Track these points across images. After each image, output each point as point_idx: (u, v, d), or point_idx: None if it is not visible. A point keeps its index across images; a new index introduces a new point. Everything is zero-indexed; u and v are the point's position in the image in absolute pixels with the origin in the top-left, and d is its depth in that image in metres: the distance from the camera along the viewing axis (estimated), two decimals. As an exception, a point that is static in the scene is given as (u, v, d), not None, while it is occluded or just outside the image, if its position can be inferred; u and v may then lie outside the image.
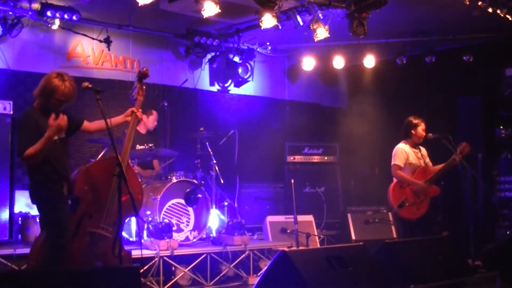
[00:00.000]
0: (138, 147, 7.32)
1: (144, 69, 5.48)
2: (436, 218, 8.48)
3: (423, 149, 7.15)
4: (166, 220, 6.83)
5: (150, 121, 7.81)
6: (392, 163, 6.97)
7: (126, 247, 6.08)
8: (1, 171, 6.74)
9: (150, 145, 7.24)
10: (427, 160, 7.10)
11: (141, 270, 6.08)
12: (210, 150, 7.70)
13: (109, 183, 5.06)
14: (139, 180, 6.13)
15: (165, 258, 6.55)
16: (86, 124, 5.24)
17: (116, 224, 5.03)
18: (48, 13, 7.18)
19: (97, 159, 5.39)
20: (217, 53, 9.24)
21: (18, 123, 4.87)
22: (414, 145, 7.06)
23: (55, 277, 3.61)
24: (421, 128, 6.99)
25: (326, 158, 9.66)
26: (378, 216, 8.87)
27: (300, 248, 7.52)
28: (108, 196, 5.07)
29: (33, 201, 4.94)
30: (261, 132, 9.75)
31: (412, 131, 7.02)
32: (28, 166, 4.86)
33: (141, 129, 7.75)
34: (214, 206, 7.53)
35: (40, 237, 5.00)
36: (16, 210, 6.82)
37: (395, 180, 6.98)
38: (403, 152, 6.96)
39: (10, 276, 3.65)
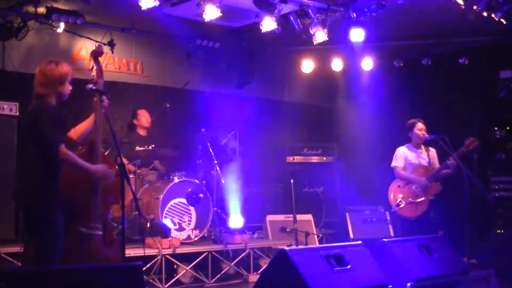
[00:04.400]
0: (138, 148, 7.33)
1: (98, 46, 5.06)
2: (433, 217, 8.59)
3: (432, 150, 7.18)
4: (168, 219, 6.92)
5: (142, 120, 7.84)
6: (391, 165, 7.16)
7: (129, 246, 6.21)
8: (8, 170, 6.79)
9: (152, 145, 7.32)
10: (434, 161, 7.13)
11: (144, 268, 6.20)
12: (211, 150, 7.76)
13: (87, 178, 4.77)
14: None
15: (167, 256, 6.62)
16: (71, 134, 4.84)
17: (103, 215, 4.94)
18: (53, 17, 7.30)
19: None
20: (218, 55, 9.31)
21: (46, 116, 4.42)
22: (417, 146, 7.16)
23: (59, 275, 3.60)
24: (417, 128, 7.09)
25: (324, 158, 9.72)
26: (375, 215, 8.92)
27: (300, 246, 7.56)
28: (89, 194, 4.81)
29: (32, 202, 4.43)
30: (261, 133, 9.79)
31: (410, 133, 7.19)
32: (51, 162, 4.44)
33: (141, 131, 7.84)
34: (215, 205, 7.58)
35: (32, 244, 4.56)
36: (22, 209, 6.89)
37: (395, 180, 7.14)
38: (402, 153, 7.14)
39: (17, 274, 3.63)
